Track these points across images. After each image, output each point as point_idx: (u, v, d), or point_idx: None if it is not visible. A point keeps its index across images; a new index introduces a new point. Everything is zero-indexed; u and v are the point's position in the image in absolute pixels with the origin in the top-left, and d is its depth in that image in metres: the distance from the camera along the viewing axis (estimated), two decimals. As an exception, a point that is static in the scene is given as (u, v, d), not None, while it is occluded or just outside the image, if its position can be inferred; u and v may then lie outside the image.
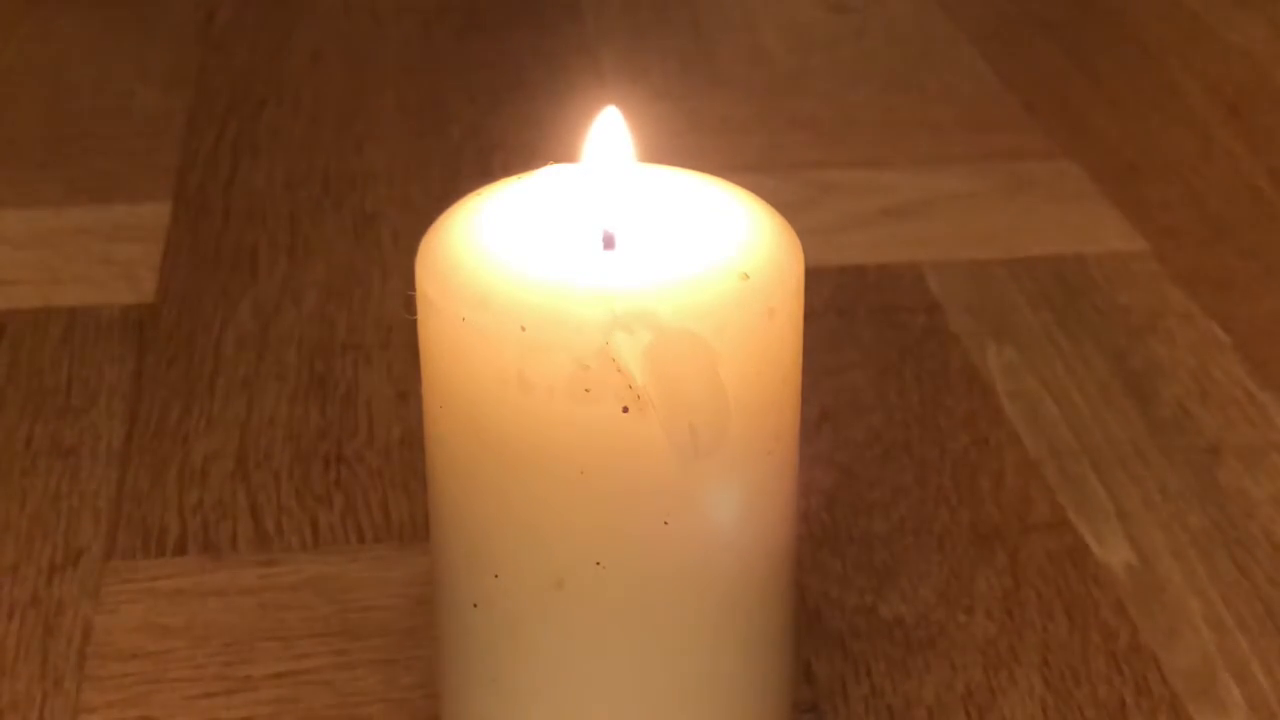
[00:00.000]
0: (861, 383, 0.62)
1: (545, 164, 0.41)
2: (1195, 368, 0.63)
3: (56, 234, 0.72)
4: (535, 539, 0.38)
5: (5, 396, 0.61)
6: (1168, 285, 0.68)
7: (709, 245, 0.38)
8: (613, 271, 0.38)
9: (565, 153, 0.42)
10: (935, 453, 0.58)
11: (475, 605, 0.40)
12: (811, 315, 0.64)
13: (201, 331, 0.65)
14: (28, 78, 0.87)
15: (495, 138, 0.80)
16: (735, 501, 0.39)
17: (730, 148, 0.79)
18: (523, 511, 0.38)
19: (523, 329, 0.36)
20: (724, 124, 0.82)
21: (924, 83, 0.86)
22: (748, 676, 0.41)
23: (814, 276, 0.56)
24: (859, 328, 0.65)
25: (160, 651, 0.49)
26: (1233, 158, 0.78)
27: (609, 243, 0.39)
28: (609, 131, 0.40)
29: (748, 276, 0.37)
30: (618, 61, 0.89)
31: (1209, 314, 0.66)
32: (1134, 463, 0.57)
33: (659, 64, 0.88)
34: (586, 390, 0.36)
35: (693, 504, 0.38)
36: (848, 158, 0.78)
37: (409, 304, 0.40)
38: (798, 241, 0.39)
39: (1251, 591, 0.52)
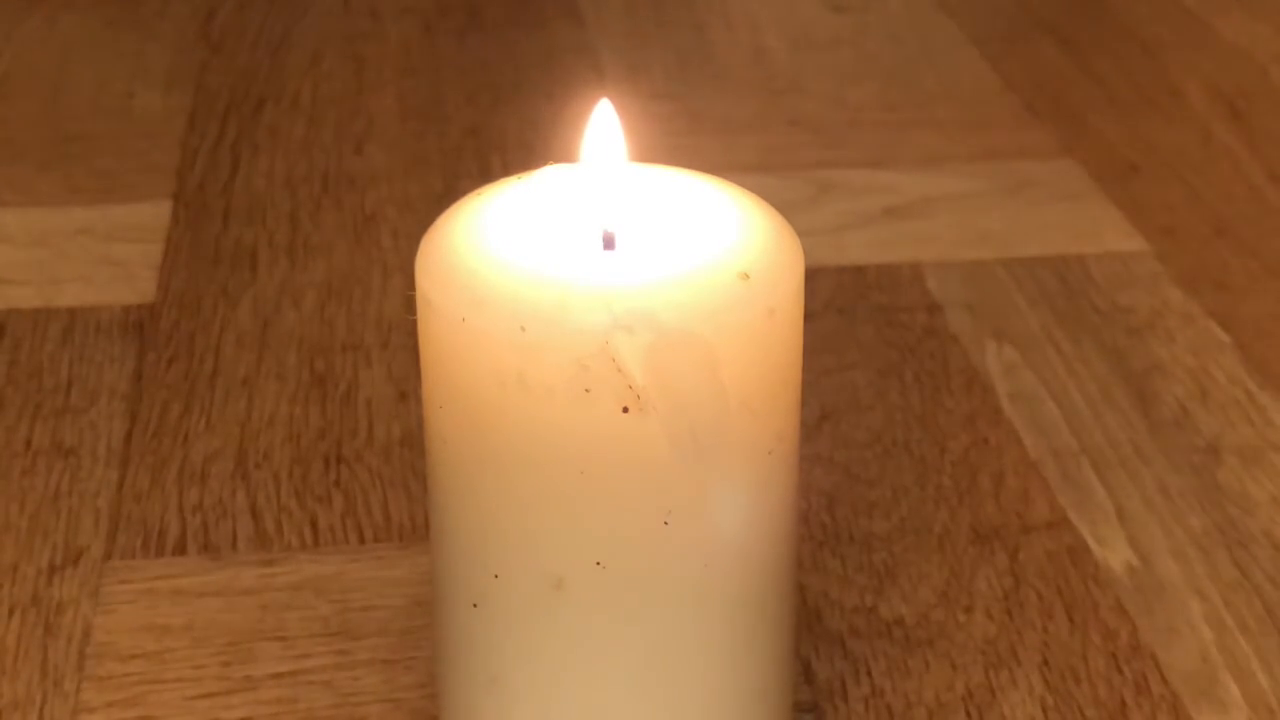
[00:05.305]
0: (861, 383, 0.62)
1: (545, 164, 0.41)
2: (1195, 368, 0.63)
3: (56, 234, 0.72)
4: (535, 539, 0.38)
5: (5, 396, 0.61)
6: (1168, 285, 0.68)
7: (709, 245, 0.38)
8: (613, 271, 0.38)
9: (565, 153, 0.42)
10: (935, 453, 0.58)
11: (475, 605, 0.40)
12: (811, 315, 0.65)
13: (201, 331, 0.65)
14: (28, 78, 0.87)
15: (495, 138, 0.80)
16: (735, 501, 0.39)
17: (730, 148, 0.79)
18: (523, 511, 0.38)
19: (523, 329, 0.36)
20: (724, 124, 0.82)
21: (924, 83, 0.86)
22: (748, 676, 0.41)
23: (814, 276, 0.56)
24: (859, 328, 0.65)
25: (160, 651, 0.49)
26: (1233, 158, 0.78)
27: (609, 243, 0.39)
28: (603, 126, 0.40)
29: (748, 276, 0.37)
30: (618, 61, 0.89)
31: (1209, 314, 0.66)
32: (1134, 463, 0.57)
33: (659, 64, 0.88)
34: (586, 390, 0.36)
35: (693, 504, 0.38)
36: (848, 158, 0.78)
37: (409, 304, 0.40)
38: (798, 241, 0.39)
39: (1251, 591, 0.52)
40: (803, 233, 0.40)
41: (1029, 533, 0.54)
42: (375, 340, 0.64)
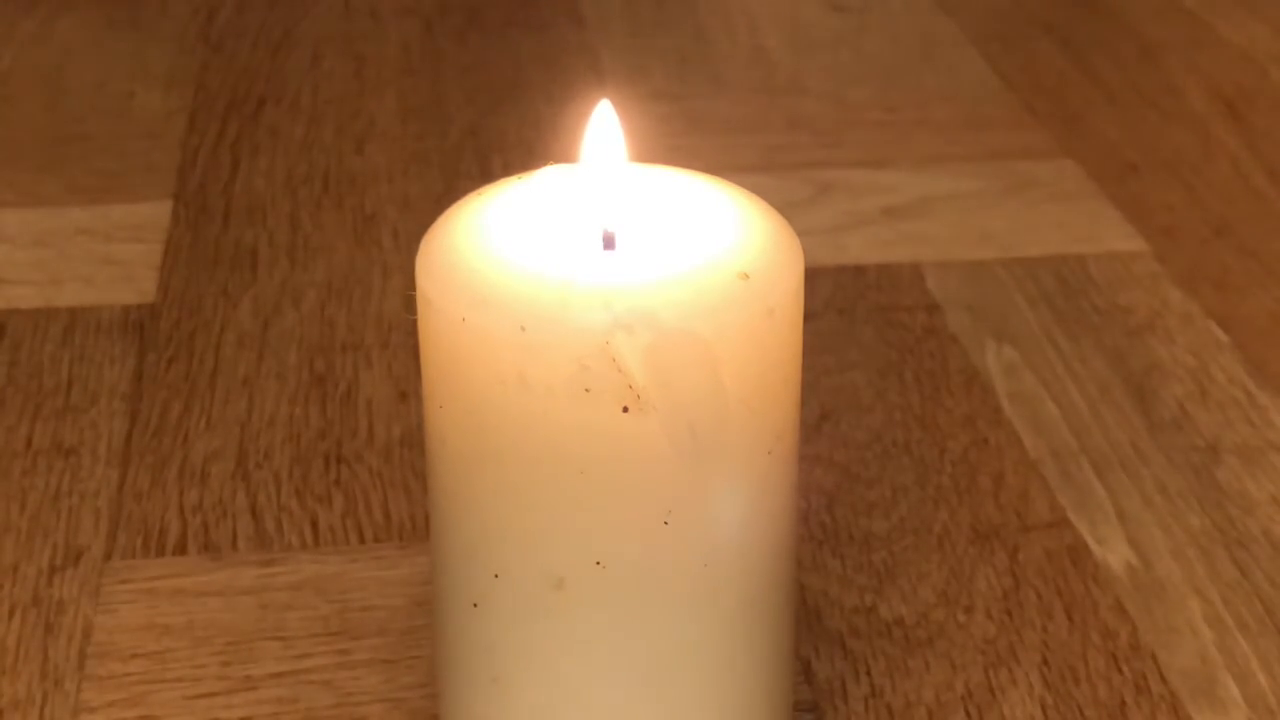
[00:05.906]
0: (861, 383, 0.62)
1: (545, 164, 0.41)
2: (1195, 368, 0.63)
3: (56, 234, 0.72)
4: (535, 539, 0.38)
5: (5, 396, 0.61)
6: (1168, 285, 0.68)
7: (709, 245, 0.38)
8: (613, 271, 0.38)
9: (565, 153, 0.42)
10: (935, 453, 0.58)
11: (475, 605, 0.40)
12: (811, 315, 0.65)
13: (201, 331, 0.65)
14: (28, 78, 0.87)
15: (495, 138, 0.80)
16: (735, 501, 0.39)
17: (730, 148, 0.79)
18: (523, 511, 0.38)
19: (523, 329, 0.36)
20: (724, 124, 0.82)
21: (924, 83, 0.86)
22: (747, 676, 0.41)
23: (814, 276, 0.56)
24: (859, 328, 0.65)
25: (160, 651, 0.50)
26: (1233, 158, 0.78)
27: (609, 243, 0.39)
28: (603, 126, 0.40)
29: (748, 276, 0.37)
30: (618, 61, 0.89)
31: (1209, 314, 0.66)
32: (1134, 463, 0.57)
33: (659, 64, 0.88)
34: (586, 390, 0.36)
35: (693, 504, 0.38)
36: (848, 158, 0.78)
37: (409, 304, 0.40)
38: (797, 241, 0.39)
39: (1251, 591, 0.52)
40: (802, 233, 0.40)
41: (1029, 532, 0.54)
42: (375, 340, 0.64)
